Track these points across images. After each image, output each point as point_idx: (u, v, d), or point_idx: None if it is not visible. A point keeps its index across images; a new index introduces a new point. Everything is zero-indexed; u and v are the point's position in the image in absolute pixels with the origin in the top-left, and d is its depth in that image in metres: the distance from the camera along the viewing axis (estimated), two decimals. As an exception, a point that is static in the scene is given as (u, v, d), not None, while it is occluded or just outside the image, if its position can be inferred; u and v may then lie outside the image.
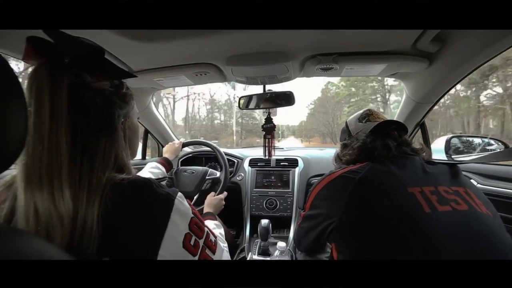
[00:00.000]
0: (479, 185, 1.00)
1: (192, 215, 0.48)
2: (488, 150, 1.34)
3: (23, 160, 0.37)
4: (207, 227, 0.52)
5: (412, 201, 0.50)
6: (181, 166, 1.52)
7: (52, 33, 0.39)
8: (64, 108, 0.38)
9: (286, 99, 1.16)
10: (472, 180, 1.02)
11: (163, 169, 1.15)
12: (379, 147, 0.64)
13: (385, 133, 0.67)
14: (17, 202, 0.39)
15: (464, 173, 0.65)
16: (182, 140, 1.29)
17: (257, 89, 1.20)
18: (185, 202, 0.48)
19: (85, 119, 0.41)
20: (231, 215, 1.29)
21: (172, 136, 1.60)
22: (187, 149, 1.65)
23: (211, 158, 1.62)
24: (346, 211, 0.53)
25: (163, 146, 1.64)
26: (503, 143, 1.35)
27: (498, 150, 1.33)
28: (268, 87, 1.18)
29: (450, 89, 0.97)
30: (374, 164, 0.59)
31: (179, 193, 0.48)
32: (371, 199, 0.52)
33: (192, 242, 0.45)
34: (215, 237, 0.54)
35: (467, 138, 1.40)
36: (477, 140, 1.42)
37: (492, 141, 1.38)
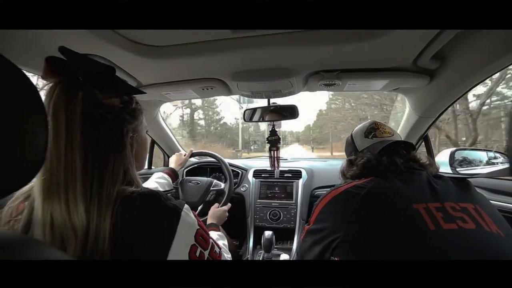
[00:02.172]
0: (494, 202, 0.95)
1: (198, 227, 0.49)
2: (493, 164, 1.33)
3: (42, 175, 0.40)
4: (212, 239, 0.53)
5: (416, 218, 0.49)
6: (186, 176, 1.54)
7: (67, 52, 0.41)
8: (79, 124, 0.40)
9: (290, 112, 1.19)
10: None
11: (169, 179, 1.17)
12: (385, 163, 0.63)
13: (393, 151, 0.67)
14: (34, 213, 0.41)
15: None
16: (192, 149, 1.32)
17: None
18: (191, 214, 0.50)
19: (96, 135, 0.43)
20: (234, 226, 1.30)
21: (178, 146, 1.63)
22: (193, 160, 1.68)
23: (216, 169, 1.64)
24: (350, 226, 0.53)
25: (168, 156, 1.67)
26: (508, 156, 1.34)
27: (503, 163, 1.32)
28: (272, 99, 1.22)
29: (452, 104, 0.98)
30: (379, 180, 0.58)
31: (186, 205, 0.49)
32: (375, 215, 0.52)
33: (197, 254, 0.46)
34: (220, 248, 0.55)
35: (472, 151, 1.39)
36: (482, 153, 1.41)
37: (497, 155, 1.37)
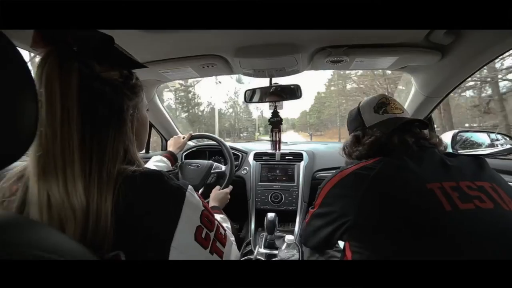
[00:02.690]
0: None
1: (203, 208, 0.48)
2: (495, 145, 1.33)
3: (37, 151, 0.37)
4: (217, 220, 0.52)
5: (431, 198, 0.47)
6: (185, 160, 1.52)
7: None
8: (75, 98, 0.37)
9: (293, 92, 1.15)
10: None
11: (168, 163, 1.14)
12: (396, 142, 0.60)
13: (405, 130, 0.63)
14: (28, 193, 0.38)
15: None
16: (191, 132, 1.28)
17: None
18: (196, 195, 0.48)
19: (94, 110, 0.40)
20: (235, 209, 1.29)
21: (176, 130, 1.59)
22: (191, 143, 1.65)
23: (215, 152, 1.61)
24: (362, 210, 0.51)
25: (166, 140, 1.63)
26: (510, 137, 1.33)
27: (505, 144, 1.32)
28: (274, 80, 1.17)
29: (461, 83, 0.95)
30: (390, 159, 0.55)
31: (190, 186, 0.48)
32: (386, 197, 0.50)
33: (203, 235, 0.45)
34: (225, 230, 0.54)
35: (474, 133, 1.38)
36: (483, 135, 1.40)
37: (499, 136, 1.36)
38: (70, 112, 0.37)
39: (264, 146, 1.69)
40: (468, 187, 0.48)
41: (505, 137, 1.37)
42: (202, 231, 0.45)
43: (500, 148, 1.31)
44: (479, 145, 1.37)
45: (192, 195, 0.46)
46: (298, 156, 1.46)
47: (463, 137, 1.33)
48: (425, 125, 0.67)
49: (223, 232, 0.52)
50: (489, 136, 1.39)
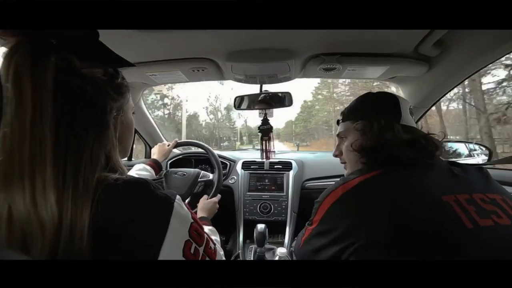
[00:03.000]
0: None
1: (192, 220, 0.44)
2: (474, 156, 1.39)
3: (0, 156, 0.32)
4: (206, 234, 0.48)
5: (449, 213, 0.42)
6: (170, 168, 1.44)
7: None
8: (49, 95, 0.33)
9: (284, 99, 1.14)
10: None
11: (152, 172, 1.08)
12: (408, 153, 0.53)
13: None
14: None
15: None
16: (177, 140, 1.22)
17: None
18: (184, 206, 0.44)
19: (72, 110, 0.36)
20: (221, 220, 1.24)
21: (161, 137, 1.52)
22: (176, 151, 1.58)
23: (201, 160, 1.55)
24: (375, 228, 0.44)
25: (150, 147, 1.55)
26: (486, 147, 1.40)
27: (483, 154, 1.38)
28: (263, 88, 1.16)
29: (445, 94, 0.99)
30: (399, 171, 0.50)
31: (178, 196, 0.43)
32: (402, 212, 0.44)
33: (192, 250, 0.41)
34: (214, 244, 0.50)
35: (455, 143, 1.44)
36: (461, 145, 1.47)
37: (476, 146, 1.43)
38: (44, 111, 0.32)
39: (252, 155, 1.66)
40: (481, 200, 0.45)
41: (481, 147, 1.44)
42: (191, 245, 0.41)
43: (477, 158, 1.37)
44: (458, 155, 1.43)
45: (181, 206, 0.42)
46: (287, 165, 1.44)
47: (447, 147, 1.38)
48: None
49: (212, 246, 0.48)
50: (467, 146, 1.45)
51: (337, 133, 0.70)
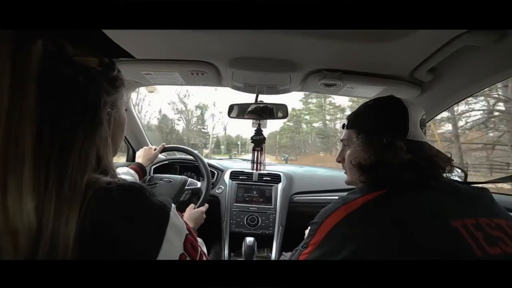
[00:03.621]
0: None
1: (187, 232, 0.40)
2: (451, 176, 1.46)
3: None
4: (200, 247, 0.44)
5: (458, 240, 0.40)
6: (153, 173, 1.36)
7: None
8: (33, 85, 0.29)
9: (281, 111, 1.14)
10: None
11: (136, 176, 1.01)
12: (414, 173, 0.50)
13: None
14: None
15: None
16: (164, 144, 1.16)
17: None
18: (179, 215, 0.40)
19: (60, 102, 0.32)
20: (205, 231, 1.18)
21: (147, 140, 1.44)
22: (161, 156, 1.50)
23: (187, 167, 1.49)
24: (381, 254, 0.42)
25: (134, 151, 1.47)
26: (461, 169, 1.49)
27: (458, 177, 1.46)
28: (260, 97, 1.15)
29: (435, 116, 1.04)
30: (402, 192, 0.47)
31: (173, 205, 0.40)
32: (410, 238, 0.41)
33: None
34: (207, 257, 0.46)
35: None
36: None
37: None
38: (24, 103, 0.28)
39: (241, 164, 1.63)
40: (488, 225, 0.43)
41: (457, 169, 1.52)
42: (185, 259, 0.38)
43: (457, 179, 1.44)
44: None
45: (176, 216, 0.39)
46: (276, 178, 1.43)
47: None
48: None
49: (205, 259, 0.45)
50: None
51: (341, 138, 0.68)
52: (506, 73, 0.72)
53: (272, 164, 1.80)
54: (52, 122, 0.30)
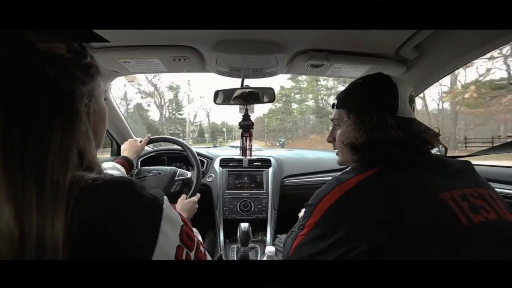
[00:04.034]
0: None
1: (182, 223, 0.39)
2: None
3: None
4: (196, 237, 0.43)
5: (447, 211, 0.42)
6: (140, 166, 1.32)
7: None
8: None
9: (267, 95, 1.12)
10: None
11: (123, 170, 0.97)
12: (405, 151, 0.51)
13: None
14: None
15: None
16: (149, 135, 1.12)
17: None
18: (172, 207, 0.39)
19: (28, 97, 0.29)
20: (198, 220, 1.18)
21: (131, 132, 1.38)
22: (148, 148, 1.46)
23: (176, 158, 1.46)
24: (379, 231, 0.42)
25: (118, 144, 1.41)
26: (442, 144, 1.55)
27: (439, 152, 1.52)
28: (245, 82, 1.12)
29: (418, 94, 1.06)
30: (394, 169, 0.48)
31: (165, 197, 0.39)
32: (403, 215, 0.43)
33: (183, 256, 0.37)
34: (204, 247, 0.46)
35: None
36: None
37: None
38: None
39: (230, 152, 1.61)
40: (472, 195, 0.45)
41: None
42: (182, 251, 0.37)
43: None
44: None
45: (170, 208, 0.38)
46: (266, 163, 1.43)
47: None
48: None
49: (202, 250, 0.44)
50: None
51: (331, 118, 0.67)
52: (486, 47, 0.74)
53: (261, 149, 1.80)
54: (22, 119, 0.28)
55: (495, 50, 0.77)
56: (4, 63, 0.27)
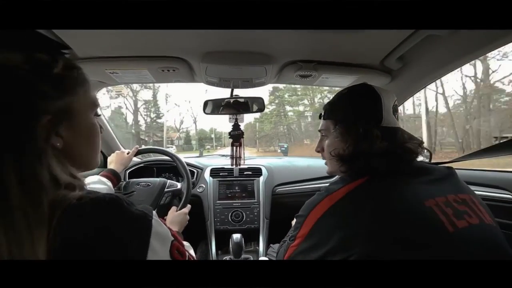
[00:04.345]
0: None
1: (172, 238, 0.39)
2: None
3: None
4: (188, 251, 0.43)
5: (432, 218, 0.43)
6: (128, 178, 1.29)
7: None
8: None
9: (256, 104, 1.13)
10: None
11: (109, 184, 0.94)
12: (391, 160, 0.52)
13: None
14: None
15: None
16: (137, 146, 1.09)
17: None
18: (162, 222, 0.38)
19: None
20: (189, 232, 1.15)
21: (119, 144, 1.35)
22: (136, 159, 1.42)
23: (164, 169, 1.43)
24: (370, 240, 0.43)
25: (105, 156, 1.37)
26: (427, 149, 1.60)
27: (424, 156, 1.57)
28: (235, 92, 1.13)
29: (402, 103, 1.10)
30: (381, 179, 0.49)
31: (154, 212, 0.38)
32: (391, 224, 0.44)
33: None
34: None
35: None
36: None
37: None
38: None
39: (220, 161, 1.60)
40: (455, 201, 0.47)
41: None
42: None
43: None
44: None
45: (159, 224, 0.37)
46: (257, 171, 1.42)
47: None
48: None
49: None
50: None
51: (319, 129, 0.68)
52: (463, 60, 0.78)
53: (252, 158, 1.80)
54: None
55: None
56: None
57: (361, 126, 0.55)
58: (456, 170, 0.55)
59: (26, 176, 0.28)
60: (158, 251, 0.34)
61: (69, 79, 0.35)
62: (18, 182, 0.27)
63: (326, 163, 0.68)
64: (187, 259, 0.40)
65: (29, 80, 0.30)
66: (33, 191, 0.28)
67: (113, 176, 0.97)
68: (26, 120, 0.30)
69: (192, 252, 0.68)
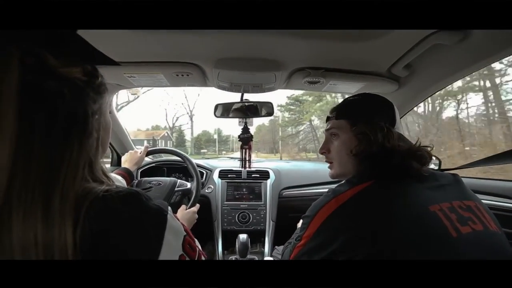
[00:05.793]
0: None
1: (185, 233, 0.41)
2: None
3: None
4: (198, 247, 0.45)
5: (436, 223, 0.44)
6: (141, 177, 1.34)
7: None
8: (12, 100, 0.28)
9: (265, 108, 1.16)
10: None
11: (123, 182, 0.99)
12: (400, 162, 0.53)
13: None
14: None
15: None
16: (147, 145, 1.14)
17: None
18: (175, 217, 0.41)
19: (47, 118, 0.31)
20: (197, 231, 1.18)
21: (132, 144, 1.41)
22: (147, 159, 1.48)
23: (174, 169, 1.48)
24: (371, 244, 0.44)
25: (118, 155, 1.43)
26: (436, 157, 1.59)
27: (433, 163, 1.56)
28: (245, 96, 1.16)
29: (408, 112, 1.11)
30: (389, 182, 0.50)
31: (169, 207, 0.41)
32: (396, 227, 0.45)
33: None
34: (205, 256, 0.48)
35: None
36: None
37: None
38: (2, 122, 0.28)
39: (229, 163, 1.63)
40: (460, 207, 0.47)
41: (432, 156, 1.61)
42: (184, 260, 0.39)
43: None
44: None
45: (173, 218, 0.39)
46: (264, 174, 1.45)
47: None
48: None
49: (203, 258, 0.46)
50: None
51: (327, 128, 0.67)
52: (470, 69, 0.79)
53: (260, 160, 1.82)
54: (40, 136, 0.30)
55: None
56: (28, 86, 0.29)
57: (385, 125, 0.56)
58: (467, 179, 0.56)
59: (73, 166, 0.33)
60: (172, 243, 0.37)
61: (103, 86, 0.41)
62: (68, 168, 0.32)
63: (329, 167, 0.69)
64: (197, 253, 0.42)
65: (84, 87, 0.36)
66: (73, 178, 0.32)
67: (127, 175, 1.02)
68: (85, 119, 0.35)
69: (199, 247, 0.71)
